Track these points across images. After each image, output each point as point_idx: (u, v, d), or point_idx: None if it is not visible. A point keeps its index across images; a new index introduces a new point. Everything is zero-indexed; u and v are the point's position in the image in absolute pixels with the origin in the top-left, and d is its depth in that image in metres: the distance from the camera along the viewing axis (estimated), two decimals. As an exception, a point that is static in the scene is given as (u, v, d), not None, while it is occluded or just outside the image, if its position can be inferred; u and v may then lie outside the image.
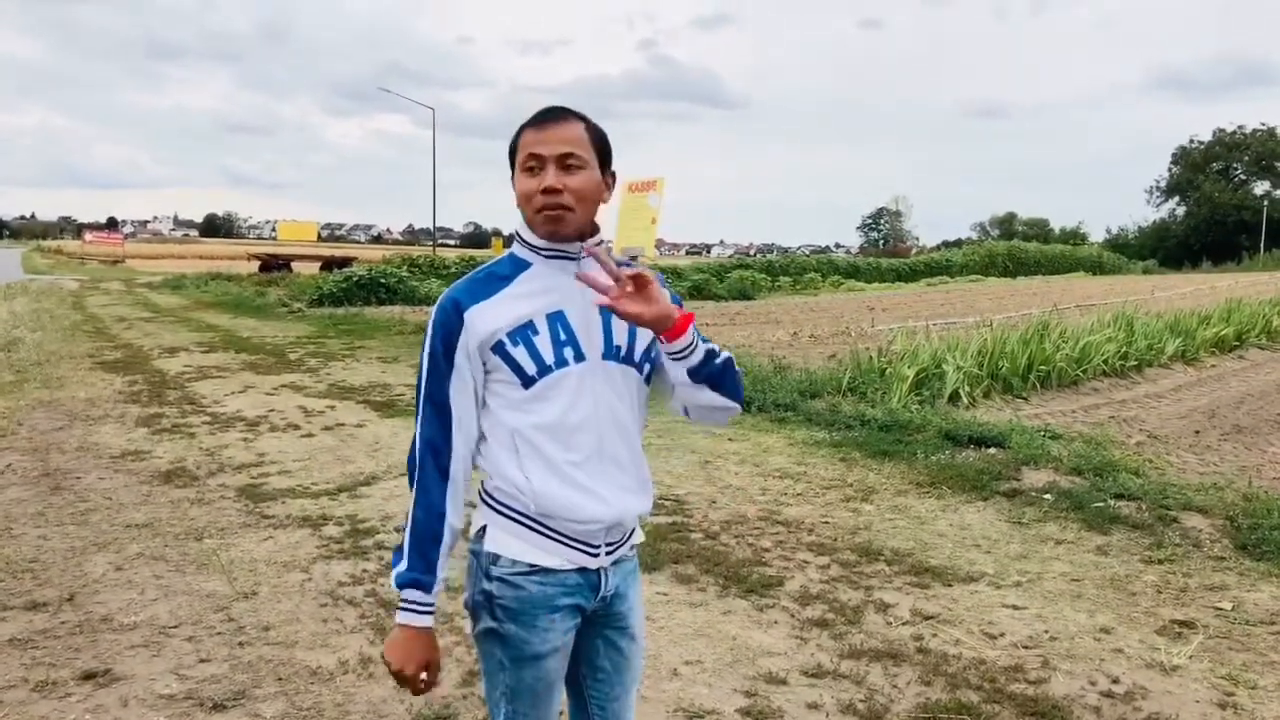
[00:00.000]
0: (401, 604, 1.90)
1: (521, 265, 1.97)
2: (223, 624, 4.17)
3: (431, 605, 1.91)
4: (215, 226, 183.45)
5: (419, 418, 1.95)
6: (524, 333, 1.91)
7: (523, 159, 1.93)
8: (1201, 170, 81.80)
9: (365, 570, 4.85)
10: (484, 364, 1.93)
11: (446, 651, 3.89)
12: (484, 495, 1.97)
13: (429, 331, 1.95)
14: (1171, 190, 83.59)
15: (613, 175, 2.00)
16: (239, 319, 20.50)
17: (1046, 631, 4.21)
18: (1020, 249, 58.53)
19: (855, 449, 7.60)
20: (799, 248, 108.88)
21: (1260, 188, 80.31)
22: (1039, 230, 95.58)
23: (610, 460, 1.96)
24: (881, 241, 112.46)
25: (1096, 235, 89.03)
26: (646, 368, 2.03)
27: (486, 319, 1.91)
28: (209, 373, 11.98)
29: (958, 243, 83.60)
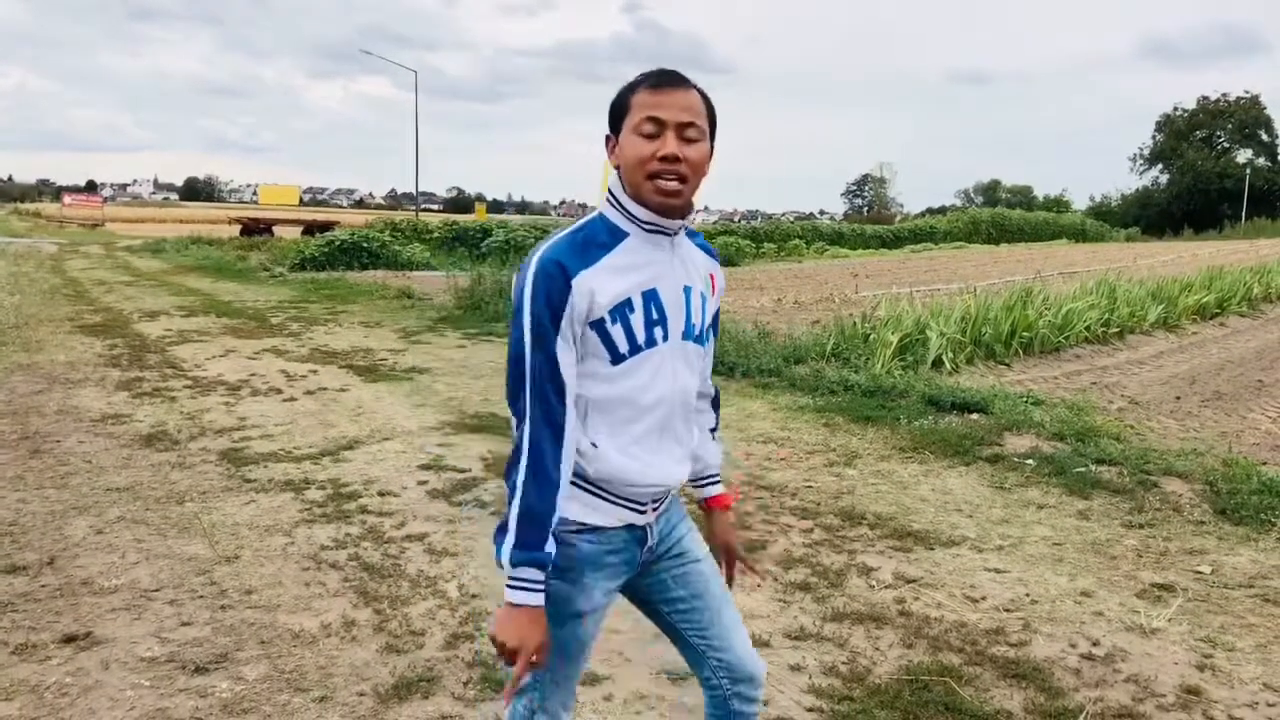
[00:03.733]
0: (514, 583, 1.81)
1: (619, 234, 1.90)
2: (204, 587, 4.16)
3: (544, 583, 1.83)
4: (196, 190, 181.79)
5: (528, 389, 1.83)
6: (622, 311, 1.87)
7: (638, 120, 1.85)
8: (1185, 138, 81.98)
9: (348, 534, 4.83)
10: (579, 334, 1.85)
11: (430, 614, 3.89)
12: None
13: (528, 295, 1.82)
14: (1155, 158, 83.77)
15: (712, 151, 1.94)
16: (220, 283, 20.34)
17: (1028, 595, 4.23)
18: (1004, 216, 58.66)
19: (839, 414, 7.61)
20: (784, 214, 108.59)
21: (1243, 156, 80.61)
22: (1023, 198, 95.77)
23: (670, 435, 1.98)
24: (866, 208, 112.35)
25: (1080, 203, 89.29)
26: (706, 344, 2.09)
27: (592, 290, 1.83)
28: (190, 337, 11.89)
29: (942, 210, 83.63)
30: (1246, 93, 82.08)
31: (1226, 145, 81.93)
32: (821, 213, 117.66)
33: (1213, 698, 3.36)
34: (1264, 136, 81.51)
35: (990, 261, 31.78)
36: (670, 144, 1.83)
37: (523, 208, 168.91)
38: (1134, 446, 6.53)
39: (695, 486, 2.27)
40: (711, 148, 1.93)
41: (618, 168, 1.91)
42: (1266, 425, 8.16)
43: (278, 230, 41.28)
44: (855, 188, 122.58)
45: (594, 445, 1.90)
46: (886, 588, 4.29)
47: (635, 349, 1.88)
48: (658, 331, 1.91)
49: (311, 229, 37.73)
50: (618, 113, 1.90)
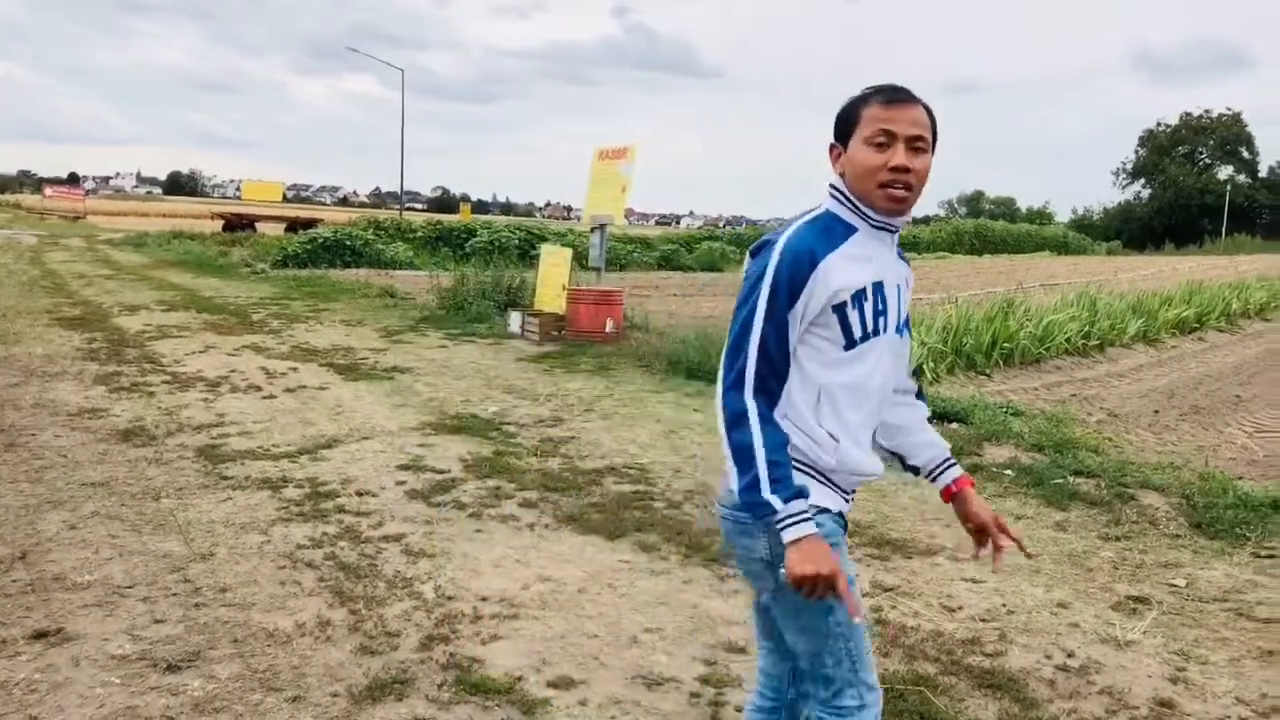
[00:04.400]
0: (790, 519, 1.90)
1: (850, 228, 2.04)
2: (178, 585, 4.12)
3: (809, 514, 1.92)
4: (179, 185, 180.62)
5: (750, 358, 1.95)
6: (860, 297, 2.00)
7: (872, 132, 1.98)
8: (1167, 153, 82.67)
9: (324, 533, 4.80)
10: (813, 318, 1.99)
11: (405, 616, 3.87)
12: None
13: (771, 270, 1.96)
14: (1137, 172, 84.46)
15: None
16: (201, 278, 20.22)
17: (1004, 605, 4.24)
18: (987, 227, 58.89)
19: (819, 421, 7.62)
20: (768, 221, 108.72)
21: (1224, 172, 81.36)
22: (1006, 209, 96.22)
23: (875, 422, 2.14)
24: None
25: (1063, 215, 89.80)
26: (906, 334, 2.20)
27: (838, 275, 1.97)
28: (169, 332, 11.81)
29: (925, 219, 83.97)
30: (1229, 110, 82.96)
31: (1208, 161, 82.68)
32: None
33: (1185, 711, 3.38)
34: (1245, 154, 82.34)
35: (972, 272, 31.92)
36: (900, 155, 1.96)
37: (508, 209, 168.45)
38: (1112, 459, 6.57)
39: (933, 476, 2.30)
40: (932, 159, 2.05)
41: (842, 174, 2.05)
42: (1243, 440, 8.21)
43: (260, 226, 41.06)
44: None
45: (833, 438, 2.02)
46: (864, 596, 4.29)
47: (865, 335, 2.02)
48: (881, 321, 2.04)
49: (295, 226, 37.55)
50: (846, 124, 2.04)
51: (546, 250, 13.86)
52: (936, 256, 46.35)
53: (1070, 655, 3.76)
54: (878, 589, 4.37)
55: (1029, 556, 2.26)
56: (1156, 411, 9.28)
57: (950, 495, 2.30)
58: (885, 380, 2.11)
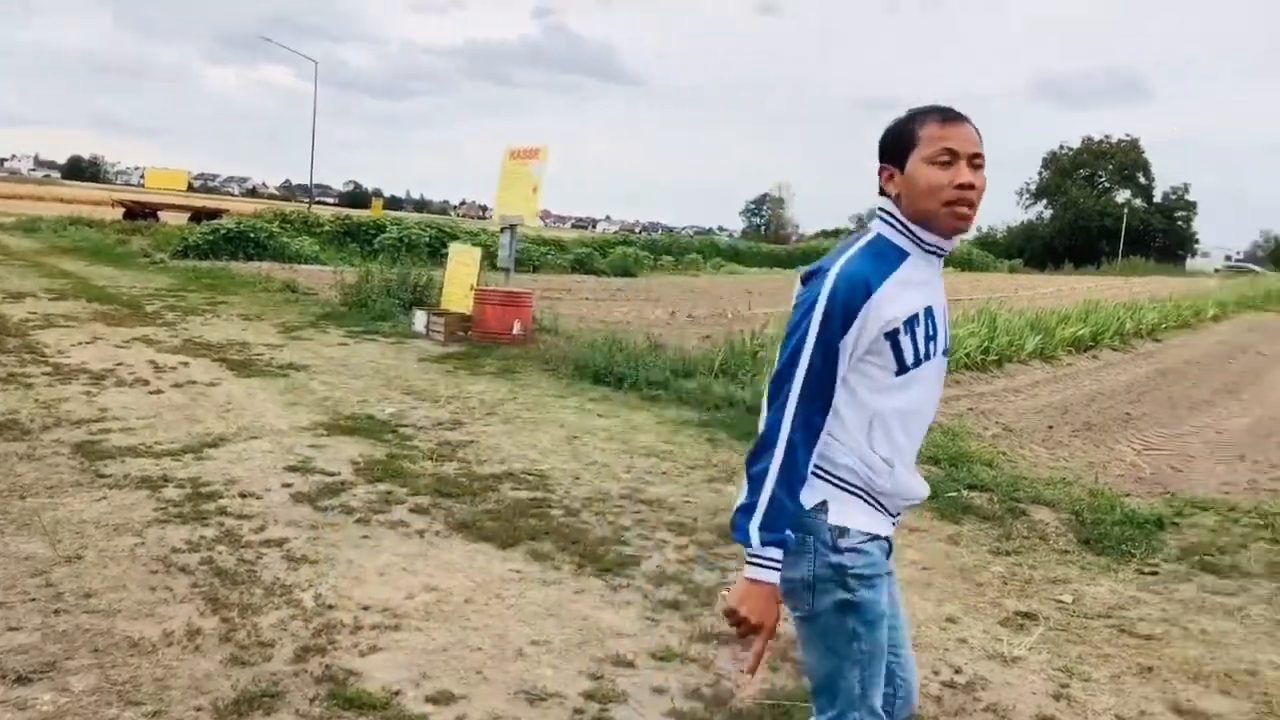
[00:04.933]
0: (760, 561, 1.94)
1: (902, 254, 2.05)
2: (39, 590, 3.89)
3: (780, 565, 1.96)
4: (80, 169, 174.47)
5: (797, 386, 1.96)
6: (913, 323, 2.00)
7: (934, 151, 1.99)
8: (1069, 176, 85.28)
9: (203, 536, 4.60)
10: (867, 346, 1.99)
11: (281, 625, 3.71)
12: (822, 470, 2.03)
13: (824, 297, 1.96)
14: (1040, 193, 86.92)
15: None
16: (96, 267, 19.49)
17: (895, 619, 4.24)
18: (896, 242, 59.90)
19: (723, 429, 7.61)
20: (683, 228, 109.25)
21: (1121, 196, 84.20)
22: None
23: (919, 444, 2.14)
24: (764, 227, 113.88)
25: (967, 233, 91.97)
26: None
27: (890, 303, 1.98)
28: (56, 321, 11.32)
29: (836, 232, 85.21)
30: (1128, 136, 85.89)
31: (1107, 185, 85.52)
32: (720, 229, 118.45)
33: (1067, 728, 3.39)
34: (1142, 179, 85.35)
35: (880, 285, 32.34)
36: (965, 173, 1.98)
37: (422, 206, 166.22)
38: (1005, 474, 6.66)
39: None
40: None
41: (896, 196, 2.05)
42: (1131, 457, 8.42)
43: (164, 215, 39.80)
44: (754, 206, 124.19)
45: (887, 463, 2.03)
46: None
47: (917, 360, 2.02)
48: (932, 345, 2.06)
49: (199, 216, 36.47)
50: (901, 145, 2.04)
51: (455, 249, 13.64)
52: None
53: (958, 671, 3.77)
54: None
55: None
56: (1050, 427, 9.48)
57: None
58: (934, 403, 2.14)
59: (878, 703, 2.12)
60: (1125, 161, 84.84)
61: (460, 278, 12.59)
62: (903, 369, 2.01)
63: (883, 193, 2.09)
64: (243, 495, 5.25)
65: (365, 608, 3.93)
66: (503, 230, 12.77)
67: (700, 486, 6.10)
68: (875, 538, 2.05)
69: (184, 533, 4.64)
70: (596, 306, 18.02)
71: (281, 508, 5.11)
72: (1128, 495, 6.55)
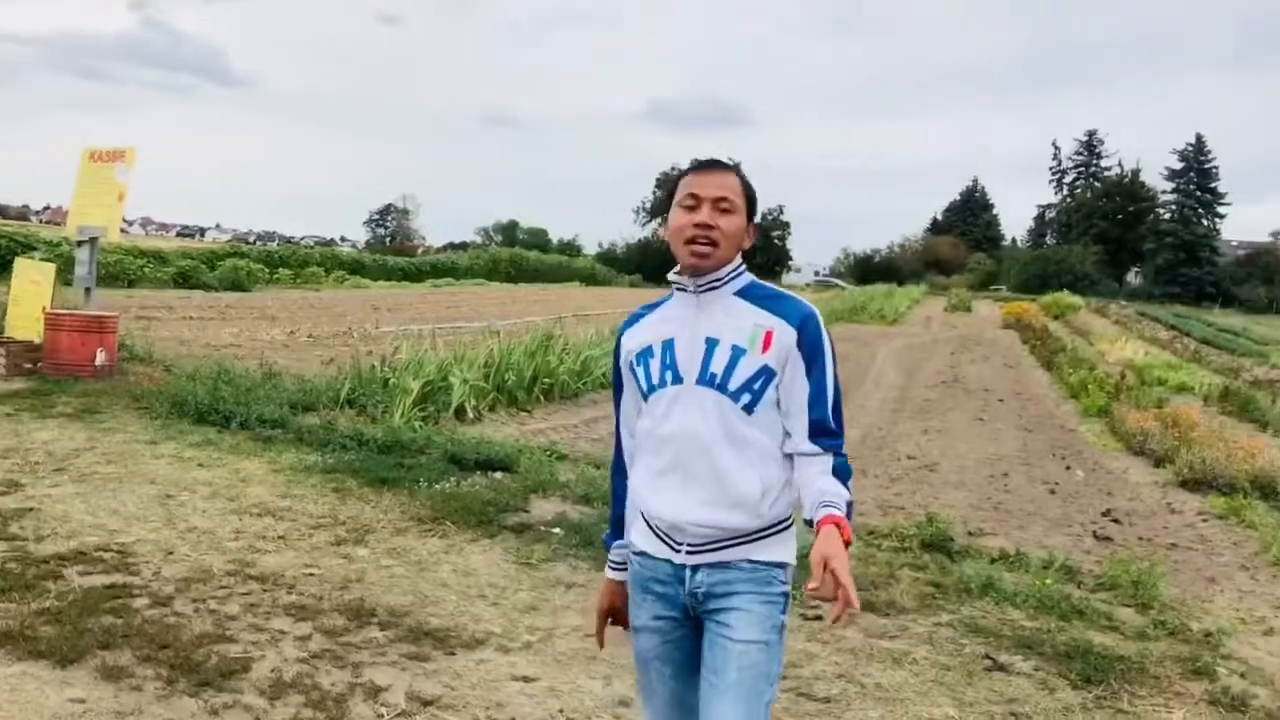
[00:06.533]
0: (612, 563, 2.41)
1: (667, 298, 2.33)
2: None
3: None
4: None
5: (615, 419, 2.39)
6: (644, 356, 2.24)
7: (681, 197, 2.21)
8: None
9: None
10: (628, 375, 2.30)
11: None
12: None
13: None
14: (654, 211, 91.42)
15: (755, 226, 2.28)
16: None
17: (561, 711, 3.66)
18: (522, 256, 60.48)
19: (351, 475, 6.71)
20: (302, 238, 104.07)
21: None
22: (539, 239, 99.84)
23: (684, 472, 2.16)
24: (389, 238, 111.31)
25: (590, 248, 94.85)
26: (745, 398, 2.15)
27: (628, 342, 2.31)
28: None
29: (464, 245, 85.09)
30: (731, 159, 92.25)
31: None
32: (343, 239, 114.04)
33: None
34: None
35: (510, 300, 32.33)
36: (704, 214, 2.17)
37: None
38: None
39: (812, 521, 2.13)
40: (749, 223, 2.26)
41: (669, 241, 2.26)
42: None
43: None
44: (378, 217, 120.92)
45: (634, 475, 2.29)
46: (399, 716, 3.51)
47: (653, 388, 2.22)
48: (668, 375, 2.19)
49: None
50: (669, 195, 2.26)
51: (22, 265, 11.59)
52: (475, 283, 46.66)
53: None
54: (415, 702, 3.62)
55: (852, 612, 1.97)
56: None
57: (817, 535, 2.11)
58: (683, 429, 2.16)
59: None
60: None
61: (29, 298, 10.67)
62: (644, 394, 2.24)
63: None
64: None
65: None
66: (79, 244, 10.98)
67: (326, 552, 5.22)
68: (642, 554, 2.25)
69: None
70: (203, 328, 16.26)
71: None
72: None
